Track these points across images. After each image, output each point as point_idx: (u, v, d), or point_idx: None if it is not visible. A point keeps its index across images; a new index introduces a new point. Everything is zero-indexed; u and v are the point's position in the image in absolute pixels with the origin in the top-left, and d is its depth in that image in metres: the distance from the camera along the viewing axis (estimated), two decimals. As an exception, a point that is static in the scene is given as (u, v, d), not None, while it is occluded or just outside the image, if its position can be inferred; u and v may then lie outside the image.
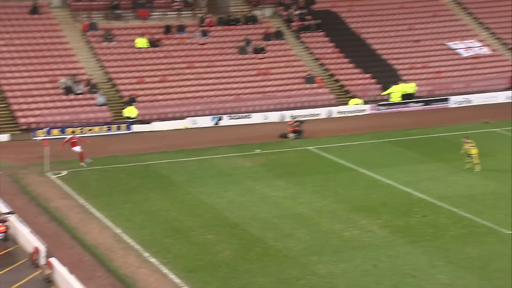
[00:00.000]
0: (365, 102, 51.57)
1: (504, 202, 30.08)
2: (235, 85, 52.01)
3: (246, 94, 51.48)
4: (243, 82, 52.47)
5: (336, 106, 51.13)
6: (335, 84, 54.21)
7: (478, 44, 58.40)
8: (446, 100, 52.11)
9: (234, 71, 53.35)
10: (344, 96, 52.97)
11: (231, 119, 47.79)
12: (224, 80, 52.28)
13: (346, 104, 51.65)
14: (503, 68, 56.20)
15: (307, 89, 52.79)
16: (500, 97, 52.79)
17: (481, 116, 47.65)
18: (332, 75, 54.92)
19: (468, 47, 57.80)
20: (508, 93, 53.10)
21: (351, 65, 55.77)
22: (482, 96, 52.64)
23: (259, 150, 40.12)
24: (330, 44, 57.22)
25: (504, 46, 58.86)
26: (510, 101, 52.44)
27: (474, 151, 34.44)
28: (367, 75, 54.83)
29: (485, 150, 37.40)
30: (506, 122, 45.62)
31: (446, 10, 61.89)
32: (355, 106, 50.99)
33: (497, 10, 61.95)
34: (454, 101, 52.15)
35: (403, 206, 30.07)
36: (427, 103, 51.78)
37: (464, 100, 52.22)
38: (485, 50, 57.84)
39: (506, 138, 41.65)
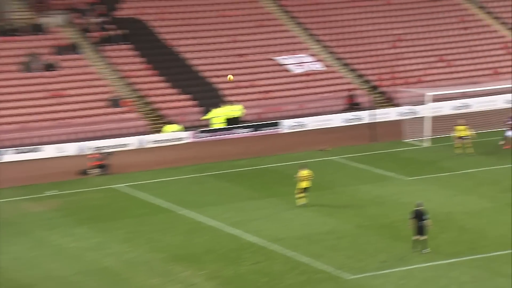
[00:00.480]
0: (185, 129, 51.72)
1: (345, 242, 30.89)
2: (19, 111, 50.23)
3: (35, 121, 49.82)
4: (30, 106, 50.85)
5: (149, 134, 50.84)
6: (147, 108, 53.96)
7: (310, 59, 60.74)
8: (277, 124, 53.52)
9: (17, 93, 51.59)
10: (158, 121, 52.87)
11: (15, 153, 46.00)
12: (4, 105, 50.39)
13: (161, 131, 51.49)
14: (338, 87, 58.82)
15: (112, 114, 52.08)
16: (336, 120, 55.10)
17: (316, 142, 49.47)
18: (143, 97, 54.63)
19: (300, 63, 59.94)
20: (344, 115, 55.52)
21: (166, 85, 55.84)
22: (316, 119, 54.64)
23: (54, 191, 38.95)
24: (140, 59, 56.99)
25: (338, 61, 61.71)
26: (346, 124, 54.87)
27: (305, 184, 35.29)
28: (186, 97, 55.14)
29: (322, 182, 38.66)
30: (343, 148, 47.63)
31: (273, 20, 63.94)
32: (172, 133, 50.96)
33: (327, 20, 64.96)
34: (286, 125, 53.70)
35: (232, 252, 30.14)
36: (255, 128, 52.90)
37: (297, 124, 53.92)
38: (318, 66, 60.26)
39: (344, 168, 43.38)
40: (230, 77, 33.78)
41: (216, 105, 53.99)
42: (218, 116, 53.12)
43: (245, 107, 54.78)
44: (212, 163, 44.83)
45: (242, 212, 35.28)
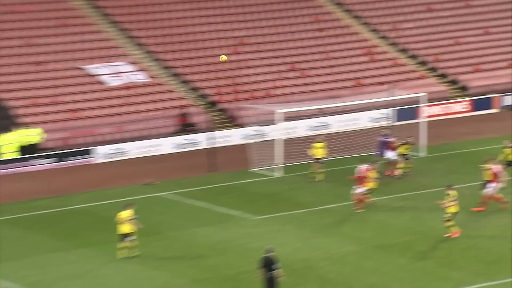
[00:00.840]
0: (-36, 160, 50.28)
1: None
2: None
3: None
4: None
5: None
6: None
7: (131, 67, 60.52)
8: (88, 152, 52.90)
9: None
10: None
11: None
12: None
13: None
14: (167, 103, 58.87)
15: None
16: (165, 145, 55.07)
17: (141, 174, 49.27)
18: None
19: (117, 73, 59.55)
20: (176, 139, 55.62)
21: None
22: (140, 145, 54.43)
23: None
24: None
25: (166, 71, 61.83)
26: (178, 150, 55.02)
27: (127, 228, 35.12)
28: (-34, 118, 53.52)
29: (149, 226, 38.16)
30: (175, 182, 47.59)
31: (80, 18, 63.37)
32: None
33: (151, 19, 65.17)
34: (101, 153, 53.17)
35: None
36: (60, 158, 52.10)
37: (115, 151, 53.50)
38: (141, 77, 60.09)
39: (177, 206, 43.22)
40: (223, 57, 33.47)
41: (6, 128, 52.75)
42: (8, 143, 51.84)
43: (45, 131, 53.83)
44: (2, 205, 43.61)
45: (44, 269, 34.41)
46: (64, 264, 34.88)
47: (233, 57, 63.30)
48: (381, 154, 46.56)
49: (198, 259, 35.09)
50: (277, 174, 47.96)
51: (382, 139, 47.28)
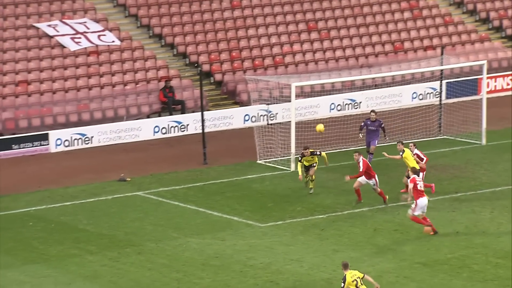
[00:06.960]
0: None
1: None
2: None
3: None
4: None
5: None
6: None
7: (96, 26, 59.86)
8: (41, 138, 52.65)
9: None
10: None
11: None
12: None
13: None
14: (146, 74, 58.49)
15: None
16: (144, 129, 54.81)
17: (109, 167, 48.88)
18: None
19: (77, 34, 58.96)
20: (156, 121, 55.29)
21: None
22: (107, 129, 54.08)
23: None
24: None
25: (144, 30, 61.43)
26: (160, 137, 54.75)
27: None
28: None
29: (120, 234, 38.39)
30: (155, 177, 47.54)
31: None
32: None
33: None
34: (57, 139, 52.80)
35: None
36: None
37: (77, 136, 53.10)
38: (113, 38, 59.55)
39: (157, 208, 43.17)
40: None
41: None
42: None
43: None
44: None
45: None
46: (9, 286, 34.63)
47: (229, 14, 62.48)
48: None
49: (185, 280, 34.80)
50: (293, 167, 47.59)
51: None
